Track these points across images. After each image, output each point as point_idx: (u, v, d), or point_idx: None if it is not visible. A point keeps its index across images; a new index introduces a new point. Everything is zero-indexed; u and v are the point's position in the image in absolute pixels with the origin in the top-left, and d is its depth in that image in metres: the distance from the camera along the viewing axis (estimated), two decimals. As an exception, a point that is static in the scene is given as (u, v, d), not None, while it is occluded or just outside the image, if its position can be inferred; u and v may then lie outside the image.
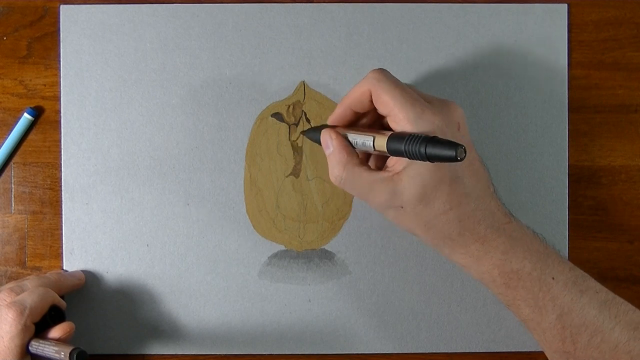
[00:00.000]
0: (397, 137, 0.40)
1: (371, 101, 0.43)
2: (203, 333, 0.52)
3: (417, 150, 0.38)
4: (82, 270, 0.52)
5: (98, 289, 0.52)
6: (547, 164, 0.52)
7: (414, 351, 0.52)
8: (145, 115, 0.52)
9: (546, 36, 0.52)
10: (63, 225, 0.52)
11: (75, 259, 0.52)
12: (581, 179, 0.53)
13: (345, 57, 0.52)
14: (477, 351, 0.53)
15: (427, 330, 0.52)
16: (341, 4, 0.52)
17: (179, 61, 0.52)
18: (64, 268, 0.52)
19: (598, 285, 0.43)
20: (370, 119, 0.46)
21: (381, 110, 0.43)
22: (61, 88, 0.52)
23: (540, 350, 0.52)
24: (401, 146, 0.39)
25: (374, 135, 0.42)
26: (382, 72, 0.43)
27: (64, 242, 0.52)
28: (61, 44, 0.52)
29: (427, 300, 0.52)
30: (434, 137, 0.37)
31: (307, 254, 0.52)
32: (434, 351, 0.53)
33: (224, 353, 0.52)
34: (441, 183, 0.41)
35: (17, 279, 0.52)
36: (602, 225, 0.53)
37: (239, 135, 0.52)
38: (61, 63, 0.52)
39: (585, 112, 0.53)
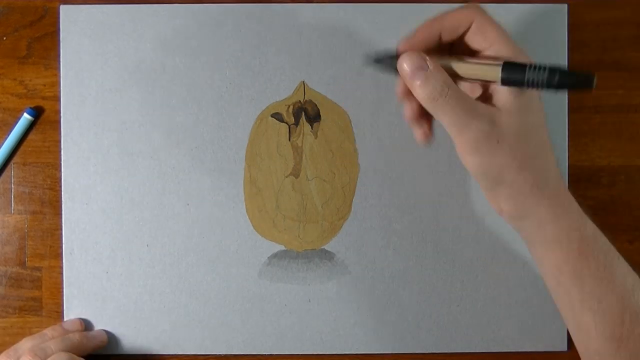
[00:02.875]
0: (514, 65, 0.39)
1: (465, 31, 0.41)
2: (203, 333, 0.52)
3: (543, 78, 0.38)
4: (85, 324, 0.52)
5: (98, 289, 0.52)
6: (547, 164, 0.52)
7: (414, 351, 0.52)
8: (145, 115, 0.52)
9: (546, 36, 0.52)
10: (63, 225, 0.52)
11: (75, 259, 0.52)
12: (581, 179, 0.53)
13: (345, 57, 0.52)
14: (477, 351, 0.53)
15: (427, 330, 0.52)
16: (341, 4, 0.52)
17: (179, 61, 0.52)
18: (64, 268, 0.52)
19: None
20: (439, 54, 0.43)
21: (478, 42, 0.41)
22: (61, 88, 0.52)
23: (539, 350, 0.52)
24: (522, 75, 0.38)
25: (481, 61, 0.40)
26: (481, 7, 0.41)
27: (64, 242, 0.52)
28: (61, 44, 0.52)
29: (427, 300, 0.52)
30: (563, 69, 0.38)
31: (307, 254, 0.52)
32: (434, 351, 0.53)
33: (224, 353, 0.52)
34: (538, 123, 0.40)
35: (17, 279, 0.52)
36: (602, 225, 0.52)
37: (239, 135, 0.52)
38: (61, 63, 0.52)
39: (585, 112, 0.53)
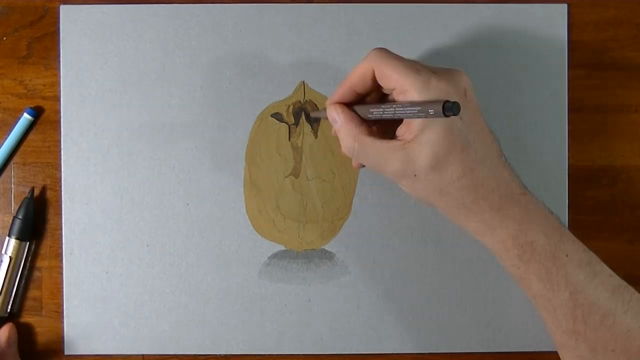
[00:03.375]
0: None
1: (373, 80, 0.43)
2: (203, 333, 0.52)
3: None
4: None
5: (98, 289, 0.52)
6: (547, 164, 0.52)
7: (414, 351, 0.53)
8: (145, 115, 0.52)
9: (546, 36, 0.52)
10: (63, 225, 0.52)
11: (75, 259, 0.52)
12: (581, 179, 0.53)
13: (345, 57, 0.52)
14: (477, 351, 0.53)
15: (427, 330, 0.52)
16: (341, 4, 0.52)
17: (179, 61, 0.52)
18: (64, 268, 0.52)
19: (610, 271, 0.43)
20: (372, 100, 0.45)
21: (385, 85, 0.42)
22: (61, 88, 0.52)
23: (539, 350, 0.52)
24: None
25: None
26: (383, 49, 0.43)
27: (64, 242, 0.52)
28: (61, 44, 0.52)
29: (427, 300, 0.52)
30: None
31: (307, 254, 0.52)
32: (434, 351, 0.53)
33: (224, 353, 0.52)
34: (453, 149, 0.41)
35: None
36: (602, 225, 0.53)
37: (239, 135, 0.52)
38: (61, 63, 0.52)
39: (585, 112, 0.53)
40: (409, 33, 0.52)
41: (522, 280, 0.44)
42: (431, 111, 0.38)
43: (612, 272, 0.43)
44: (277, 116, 0.52)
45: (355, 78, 0.43)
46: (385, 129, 0.45)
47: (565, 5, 0.53)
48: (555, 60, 0.53)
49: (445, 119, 0.40)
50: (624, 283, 0.43)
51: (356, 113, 0.44)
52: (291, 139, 0.53)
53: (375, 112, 0.43)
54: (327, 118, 0.46)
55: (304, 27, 0.52)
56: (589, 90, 0.53)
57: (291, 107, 0.52)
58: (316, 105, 0.52)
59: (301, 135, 0.52)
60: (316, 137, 0.52)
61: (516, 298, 0.52)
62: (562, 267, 0.42)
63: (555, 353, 0.53)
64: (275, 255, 0.52)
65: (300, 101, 0.52)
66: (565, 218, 0.52)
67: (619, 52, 0.53)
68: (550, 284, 0.42)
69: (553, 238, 0.42)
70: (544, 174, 0.52)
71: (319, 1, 0.53)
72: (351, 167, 0.52)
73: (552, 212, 0.44)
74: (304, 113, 0.53)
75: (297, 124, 0.52)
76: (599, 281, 0.42)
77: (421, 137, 0.41)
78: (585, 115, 0.53)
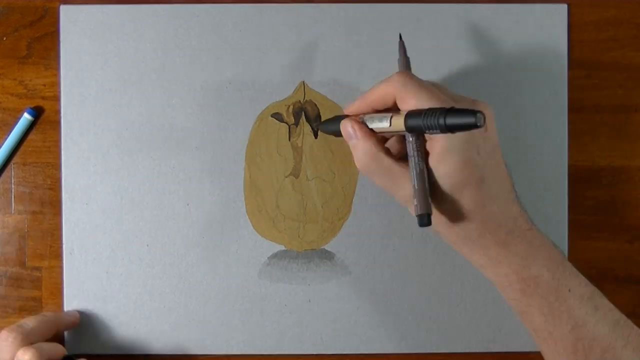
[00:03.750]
0: (415, 112, 0.40)
1: (393, 102, 0.43)
2: (203, 333, 0.52)
3: (436, 122, 0.37)
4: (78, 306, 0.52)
5: (98, 289, 0.52)
6: (547, 164, 0.52)
7: (414, 351, 0.52)
8: (145, 115, 0.52)
9: (546, 36, 0.52)
10: (63, 225, 0.52)
11: (75, 259, 0.52)
12: (581, 179, 0.53)
13: (345, 57, 0.52)
14: (477, 351, 0.53)
15: (427, 330, 0.52)
16: (341, 4, 0.52)
17: (179, 61, 0.52)
18: (64, 268, 0.52)
19: (611, 304, 0.43)
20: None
21: (406, 109, 0.42)
22: (61, 88, 0.52)
23: (539, 350, 0.52)
24: (419, 120, 0.39)
25: (391, 114, 0.42)
26: (407, 75, 0.42)
27: (64, 242, 0.52)
28: (61, 44, 0.52)
29: (427, 300, 0.52)
30: (451, 107, 0.37)
31: (307, 254, 0.52)
32: (434, 351, 0.53)
33: (224, 353, 0.52)
34: (468, 183, 0.41)
35: (17, 279, 0.53)
36: (602, 225, 0.53)
37: (239, 135, 0.52)
38: (61, 63, 0.52)
39: (585, 112, 0.53)
40: (409, 33, 0.52)
41: (524, 313, 0.44)
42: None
43: (612, 306, 0.43)
44: (277, 116, 0.52)
45: (376, 98, 0.43)
46: (401, 151, 0.45)
47: (565, 5, 0.53)
48: (555, 60, 0.53)
49: (464, 152, 0.40)
50: (624, 317, 0.43)
51: (372, 130, 0.43)
52: (291, 139, 0.53)
53: (378, 128, 0.42)
54: (335, 132, 0.46)
55: (304, 27, 0.52)
56: (589, 90, 0.53)
57: (291, 107, 0.52)
58: (316, 105, 0.52)
59: (301, 135, 0.52)
60: (316, 137, 0.52)
61: (516, 298, 0.52)
62: (565, 302, 0.42)
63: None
64: (275, 255, 0.52)
65: (300, 101, 0.52)
66: (565, 218, 0.52)
67: (619, 52, 0.53)
68: (552, 317, 0.42)
69: (556, 273, 0.42)
70: (544, 174, 0.52)
71: (319, 1, 0.53)
72: (351, 167, 0.52)
73: (556, 245, 0.44)
74: (304, 113, 0.53)
75: (297, 124, 0.52)
76: (600, 316, 0.42)
77: (438, 168, 0.41)
78: (585, 115, 0.53)
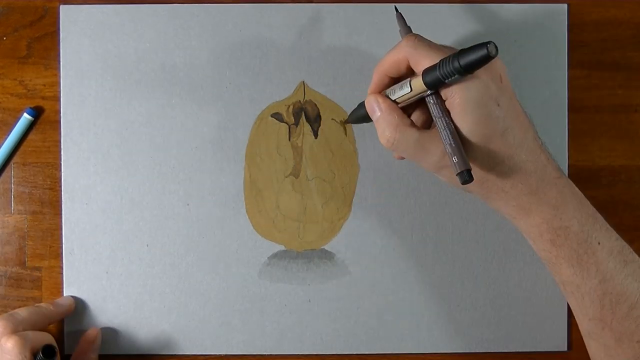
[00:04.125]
0: (430, 68, 0.40)
1: (408, 67, 0.43)
2: (203, 333, 0.52)
3: (451, 67, 0.38)
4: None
5: (98, 289, 0.52)
6: (547, 164, 0.52)
7: (414, 351, 0.52)
8: (145, 115, 0.52)
9: (546, 36, 0.52)
10: (63, 225, 0.52)
11: (75, 259, 0.52)
12: (581, 179, 0.53)
13: (345, 57, 0.52)
14: (477, 351, 0.53)
15: (427, 330, 0.52)
16: (341, 4, 0.52)
17: (179, 61, 0.52)
18: (64, 268, 0.52)
19: None
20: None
21: (420, 71, 0.42)
22: (61, 88, 0.52)
23: (539, 350, 0.52)
24: (436, 72, 0.39)
25: (409, 79, 0.42)
26: (415, 37, 0.42)
27: (64, 242, 0.52)
28: (61, 44, 0.52)
29: (427, 300, 0.52)
30: (461, 49, 0.38)
31: (307, 254, 0.52)
32: (434, 351, 0.53)
33: (224, 353, 0.52)
34: (493, 135, 0.41)
35: (17, 279, 0.53)
36: (602, 225, 0.53)
37: (239, 135, 0.52)
38: (61, 63, 0.52)
39: (585, 112, 0.53)
40: (409, 33, 0.52)
41: (553, 265, 0.44)
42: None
43: None
44: (277, 116, 0.52)
45: (389, 65, 0.43)
46: (424, 121, 0.45)
47: (565, 5, 0.53)
48: (555, 60, 0.53)
49: (484, 106, 0.40)
50: None
51: (396, 103, 0.44)
52: (291, 139, 0.53)
53: (401, 95, 0.43)
54: (363, 117, 0.46)
55: (304, 27, 0.52)
56: (589, 90, 0.53)
57: (291, 107, 0.52)
58: (316, 105, 0.52)
59: (301, 135, 0.52)
60: (316, 137, 0.52)
61: (516, 298, 0.52)
62: (593, 255, 0.42)
63: (555, 353, 0.53)
64: (275, 255, 0.52)
65: (300, 101, 0.52)
66: (565, 218, 0.52)
67: (619, 52, 0.53)
68: (581, 270, 0.42)
69: (586, 224, 0.42)
70: (544, 174, 0.52)
71: (319, 1, 0.53)
72: (351, 167, 0.52)
73: (585, 197, 0.44)
74: (304, 113, 0.53)
75: (297, 124, 0.52)
76: (629, 270, 0.42)
77: (462, 125, 0.41)
78: (585, 115, 0.53)
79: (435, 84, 0.40)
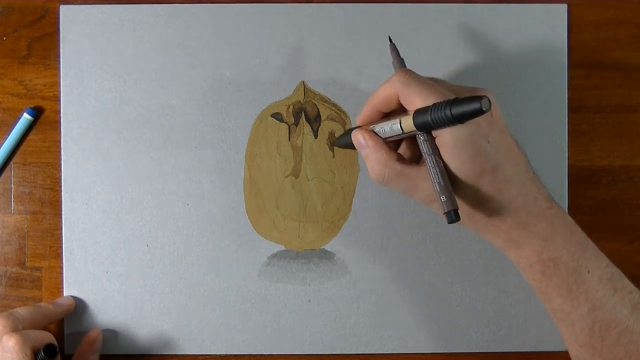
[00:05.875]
0: (422, 110, 0.40)
1: (398, 102, 0.43)
2: (203, 333, 0.52)
3: (443, 114, 0.38)
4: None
5: (98, 289, 0.52)
6: (547, 164, 0.52)
7: (414, 351, 0.53)
8: (145, 115, 0.52)
9: (546, 36, 0.52)
10: (63, 225, 0.52)
11: (75, 259, 0.52)
12: (581, 179, 0.53)
13: (345, 57, 0.52)
14: (477, 351, 0.53)
15: (427, 330, 0.52)
16: (341, 4, 0.52)
17: (179, 61, 0.52)
18: (64, 268, 0.52)
19: (632, 286, 0.43)
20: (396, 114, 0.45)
21: (411, 108, 0.42)
22: (61, 88, 0.52)
23: (539, 350, 0.52)
24: (427, 116, 0.39)
25: (399, 118, 0.42)
26: (406, 73, 0.42)
27: (64, 242, 0.52)
28: (61, 44, 0.52)
29: (427, 300, 0.52)
30: (455, 98, 0.38)
31: (307, 254, 0.52)
32: (434, 351, 0.53)
33: (224, 353, 0.52)
34: (483, 173, 0.41)
35: (17, 279, 0.53)
36: (602, 225, 0.53)
37: (239, 135, 0.52)
38: (61, 63, 0.52)
39: (585, 112, 0.53)
40: (409, 33, 0.52)
41: (543, 294, 0.44)
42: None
43: (633, 288, 0.43)
44: (277, 116, 0.52)
45: (379, 101, 0.43)
46: (413, 153, 0.45)
47: (565, 5, 0.53)
48: (555, 60, 0.53)
49: (474, 144, 0.40)
50: None
51: (383, 139, 0.44)
52: (291, 139, 0.53)
53: (391, 133, 0.43)
54: (350, 145, 0.46)
55: (304, 27, 0.52)
56: (589, 90, 0.53)
57: (291, 107, 0.52)
58: (316, 105, 0.52)
59: (301, 135, 0.52)
60: (316, 137, 0.52)
61: (516, 298, 0.52)
62: (583, 284, 0.42)
63: (555, 353, 0.53)
64: (275, 255, 0.52)
65: (300, 101, 0.52)
66: (565, 218, 0.52)
67: (619, 52, 0.53)
68: (570, 299, 0.42)
69: (576, 253, 0.42)
70: (544, 174, 0.52)
71: (319, 1, 0.53)
72: (351, 167, 0.52)
73: (576, 223, 0.44)
74: (304, 113, 0.53)
75: (297, 124, 0.52)
76: (618, 298, 0.42)
77: (451, 162, 0.41)
78: (585, 115, 0.53)
79: (426, 127, 0.40)
